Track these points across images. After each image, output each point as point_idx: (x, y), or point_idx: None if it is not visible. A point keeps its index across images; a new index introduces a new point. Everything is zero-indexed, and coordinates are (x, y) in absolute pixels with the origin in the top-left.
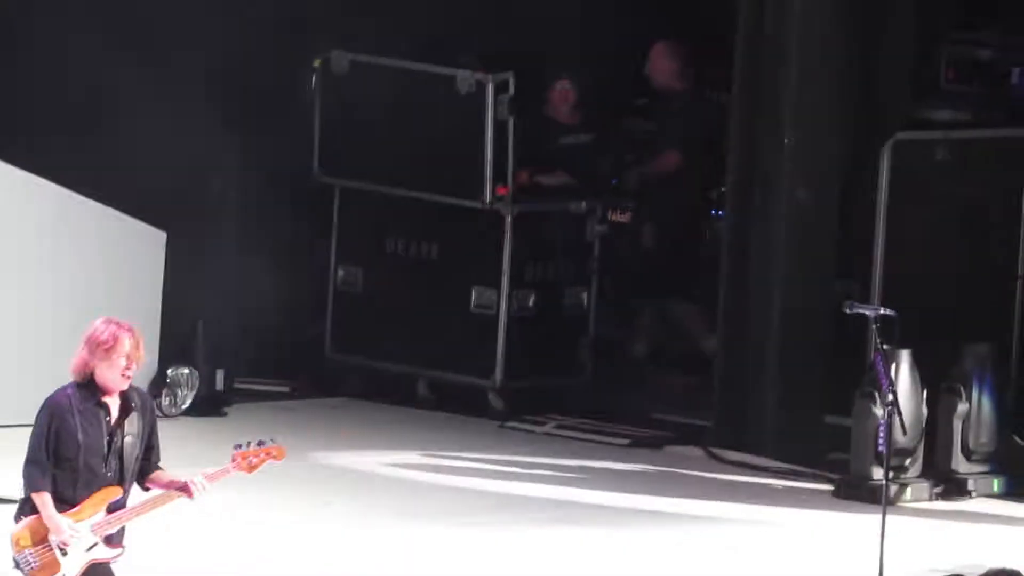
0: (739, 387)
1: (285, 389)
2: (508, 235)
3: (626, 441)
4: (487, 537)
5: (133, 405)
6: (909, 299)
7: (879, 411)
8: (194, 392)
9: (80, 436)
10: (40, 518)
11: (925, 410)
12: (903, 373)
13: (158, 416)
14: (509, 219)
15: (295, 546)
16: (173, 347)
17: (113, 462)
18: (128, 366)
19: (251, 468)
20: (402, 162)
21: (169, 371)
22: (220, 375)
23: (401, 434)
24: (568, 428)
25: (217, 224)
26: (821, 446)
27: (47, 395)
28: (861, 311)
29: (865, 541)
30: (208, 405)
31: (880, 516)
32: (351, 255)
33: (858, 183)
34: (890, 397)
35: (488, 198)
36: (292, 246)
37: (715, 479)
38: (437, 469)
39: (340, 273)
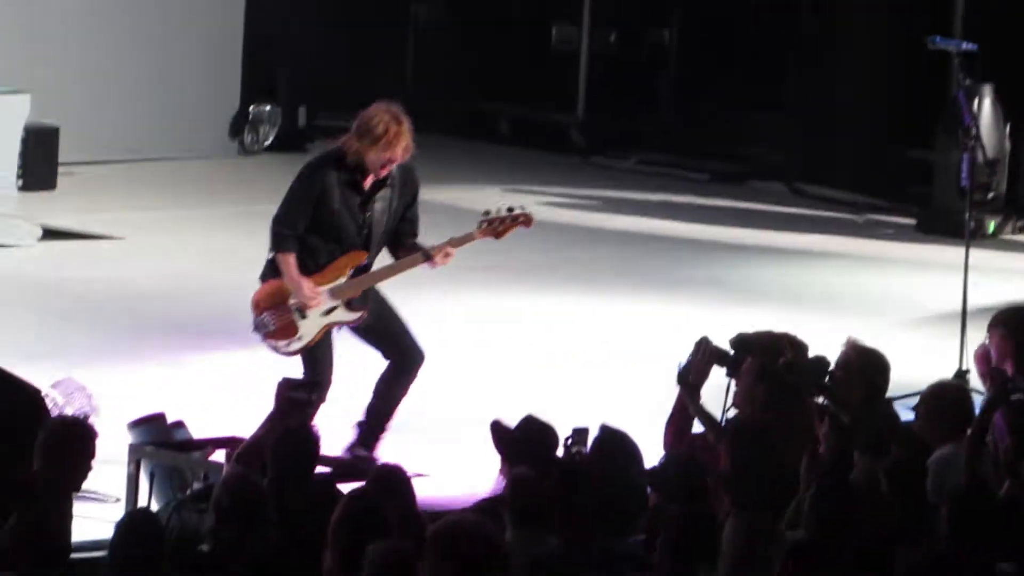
0: (821, 122)
1: None
2: None
3: (707, 176)
4: (571, 270)
5: (389, 181)
6: (991, 34)
7: (962, 145)
8: (276, 128)
9: (336, 205)
10: (277, 281)
11: (1008, 144)
12: (985, 108)
13: (241, 153)
14: None
15: None
16: (256, 84)
17: (364, 232)
18: (391, 161)
19: (498, 235)
20: None
21: (252, 108)
22: (302, 111)
23: (483, 170)
24: (650, 163)
25: None
26: (904, 180)
27: (312, 160)
28: (944, 47)
29: (948, 273)
30: (291, 141)
31: (963, 248)
32: None
33: None
34: (972, 131)
35: None
36: None
37: (798, 213)
38: None
39: (420, 9)
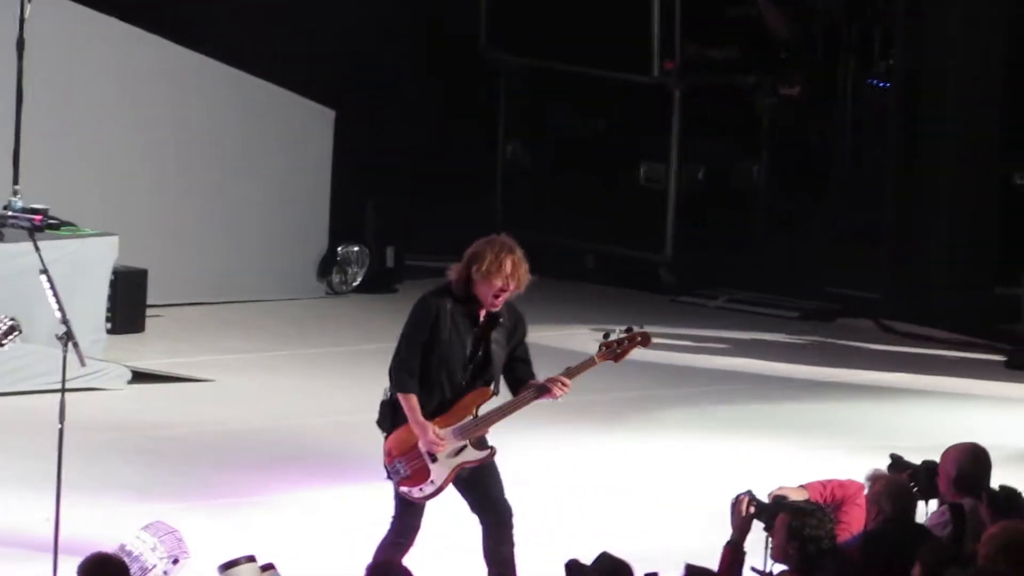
0: (909, 259)
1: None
2: (676, 110)
3: (796, 313)
4: (658, 409)
5: (501, 320)
6: None
7: None
8: (365, 269)
9: (446, 335)
10: (408, 427)
11: None
12: None
13: (329, 294)
14: (677, 93)
15: None
16: (343, 225)
17: (474, 369)
18: (502, 291)
19: (617, 358)
20: (569, 37)
21: (340, 249)
22: (390, 252)
23: (571, 309)
24: (739, 301)
25: (384, 101)
26: (992, 317)
27: (421, 295)
28: None
29: None
30: (379, 282)
31: None
32: (519, 131)
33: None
34: None
35: (656, 72)
36: (458, 122)
37: (886, 350)
38: None
39: (508, 149)
